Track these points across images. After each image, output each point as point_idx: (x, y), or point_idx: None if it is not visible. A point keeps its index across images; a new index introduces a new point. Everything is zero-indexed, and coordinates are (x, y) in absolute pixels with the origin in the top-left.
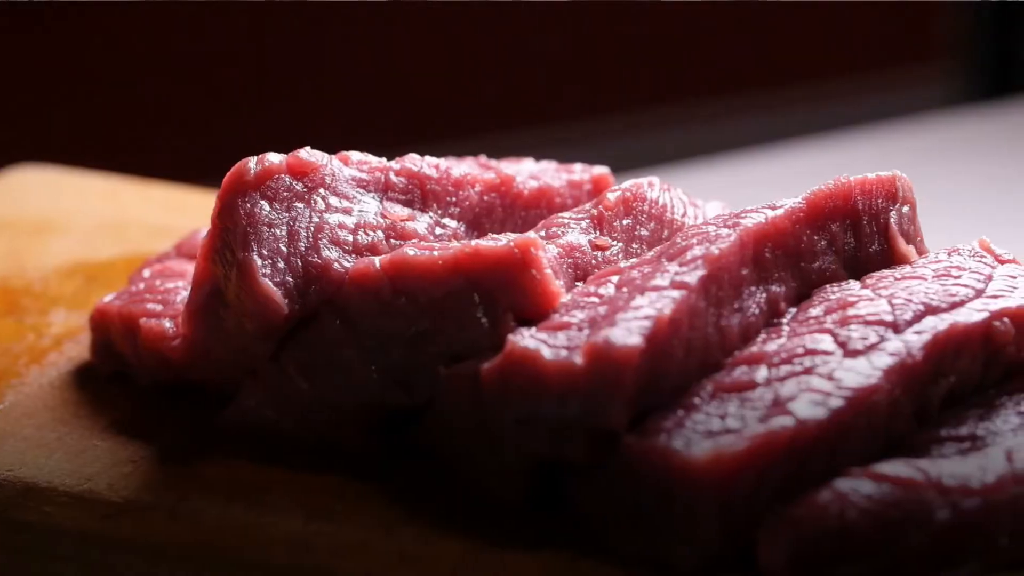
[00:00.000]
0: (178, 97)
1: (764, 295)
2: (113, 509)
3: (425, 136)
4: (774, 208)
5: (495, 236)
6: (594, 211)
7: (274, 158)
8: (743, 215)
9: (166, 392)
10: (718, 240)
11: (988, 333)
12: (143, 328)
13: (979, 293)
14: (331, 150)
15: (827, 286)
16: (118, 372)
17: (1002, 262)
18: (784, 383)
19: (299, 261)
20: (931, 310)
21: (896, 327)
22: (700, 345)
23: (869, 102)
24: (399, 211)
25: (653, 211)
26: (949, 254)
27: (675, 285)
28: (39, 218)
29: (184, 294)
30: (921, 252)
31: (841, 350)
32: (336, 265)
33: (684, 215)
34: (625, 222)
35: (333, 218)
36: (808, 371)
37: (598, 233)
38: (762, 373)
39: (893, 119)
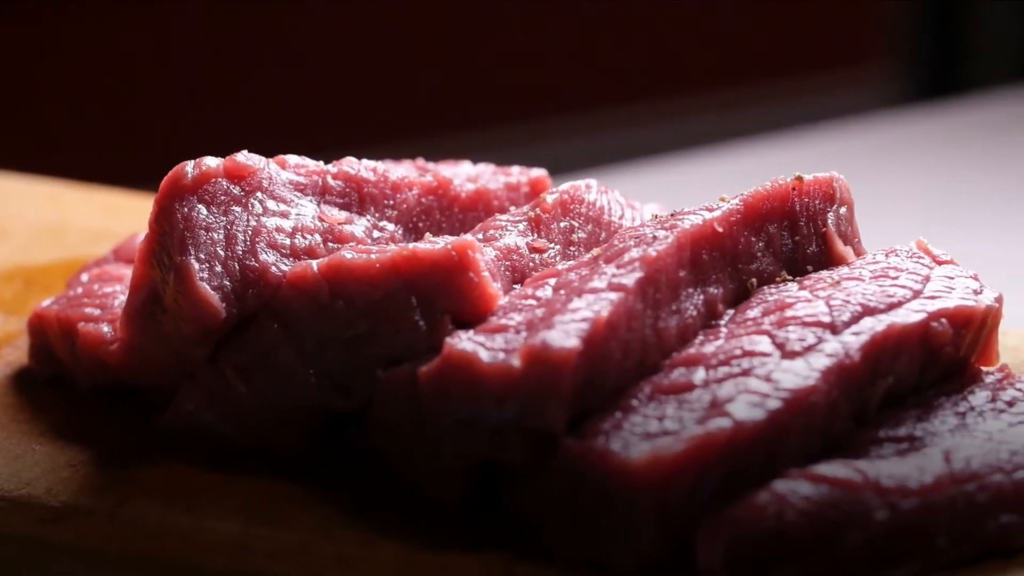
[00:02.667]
0: (116, 101)
1: (702, 297)
2: (52, 514)
3: (362, 139)
4: (711, 210)
5: (433, 239)
6: (531, 213)
7: (211, 162)
8: (680, 217)
9: (104, 396)
10: (655, 242)
11: (926, 334)
12: (81, 332)
13: (917, 294)
14: (269, 154)
15: (765, 287)
16: (56, 376)
17: (939, 263)
18: (722, 384)
19: (236, 265)
20: (869, 311)
21: (834, 328)
22: (638, 347)
23: (807, 103)
24: (336, 214)
25: (590, 213)
26: (887, 255)
27: (612, 287)
28: None
29: (122, 298)
30: (859, 253)
31: (779, 351)
32: (274, 268)
33: (622, 217)
34: (562, 224)
35: (271, 222)
36: (746, 372)
37: (535, 236)
38: (700, 375)
39: (831, 120)
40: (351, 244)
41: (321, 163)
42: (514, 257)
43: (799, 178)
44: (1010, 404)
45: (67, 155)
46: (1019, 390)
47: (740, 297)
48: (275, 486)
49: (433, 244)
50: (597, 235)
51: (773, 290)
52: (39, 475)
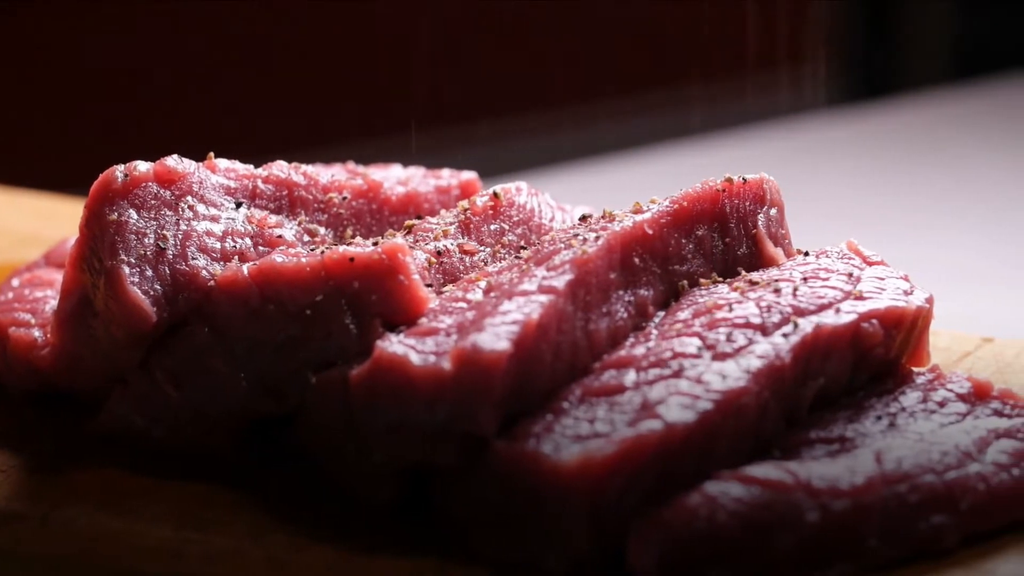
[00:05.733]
0: (45, 105)
1: (632, 298)
2: None
3: (293, 143)
4: (641, 212)
5: (363, 242)
6: (462, 216)
7: (142, 166)
8: (611, 219)
9: (36, 401)
10: (586, 245)
11: (856, 335)
12: (12, 337)
13: (847, 295)
14: (199, 158)
15: (695, 289)
16: None
17: (870, 264)
18: (652, 386)
19: (167, 269)
20: (799, 312)
21: (764, 330)
22: (568, 349)
23: (738, 104)
24: (267, 218)
25: (521, 216)
26: (817, 256)
27: (543, 290)
28: None
29: (53, 303)
30: (789, 254)
31: (709, 353)
32: (204, 272)
33: (552, 219)
34: (493, 227)
35: (201, 226)
36: (676, 374)
37: (466, 238)
38: (630, 377)
39: (762, 121)
40: (281, 248)
41: (251, 167)
42: (444, 260)
43: (729, 180)
44: (941, 405)
45: None
46: (950, 391)
47: (671, 299)
48: (207, 490)
49: (363, 247)
50: (528, 237)
51: (703, 292)
52: None
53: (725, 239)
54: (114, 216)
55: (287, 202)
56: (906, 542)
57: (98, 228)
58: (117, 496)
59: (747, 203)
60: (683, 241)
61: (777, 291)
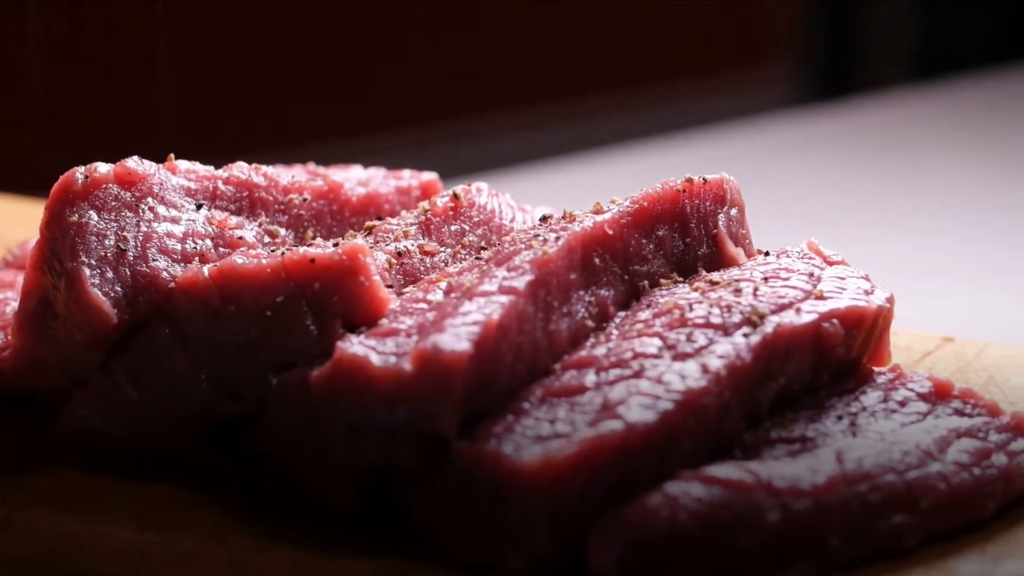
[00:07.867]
0: (4, 106)
1: (593, 299)
2: None
3: (253, 144)
4: (601, 212)
5: (323, 243)
6: (422, 217)
7: (102, 168)
8: (571, 220)
9: None
10: (546, 245)
11: (817, 334)
12: None
13: (808, 295)
14: (160, 159)
15: (656, 289)
16: None
17: (831, 263)
18: (613, 387)
19: (128, 270)
20: (759, 312)
21: (725, 329)
22: (529, 350)
23: (700, 105)
24: (227, 219)
25: (481, 216)
26: (778, 256)
27: (503, 290)
28: None
29: (14, 305)
30: (750, 254)
31: (670, 353)
32: (165, 274)
33: (512, 220)
34: (453, 228)
35: (162, 227)
36: (637, 374)
37: (426, 239)
38: (591, 377)
39: (724, 121)
40: (242, 249)
41: (212, 168)
42: (405, 261)
43: (689, 180)
44: (902, 404)
45: None
46: (911, 390)
47: (631, 299)
48: (169, 491)
49: (323, 248)
50: (488, 238)
51: (664, 292)
52: None
53: (686, 239)
54: (75, 218)
55: (248, 203)
56: (867, 542)
57: (58, 230)
58: (79, 498)
59: (707, 203)
60: (643, 241)
61: (738, 291)
